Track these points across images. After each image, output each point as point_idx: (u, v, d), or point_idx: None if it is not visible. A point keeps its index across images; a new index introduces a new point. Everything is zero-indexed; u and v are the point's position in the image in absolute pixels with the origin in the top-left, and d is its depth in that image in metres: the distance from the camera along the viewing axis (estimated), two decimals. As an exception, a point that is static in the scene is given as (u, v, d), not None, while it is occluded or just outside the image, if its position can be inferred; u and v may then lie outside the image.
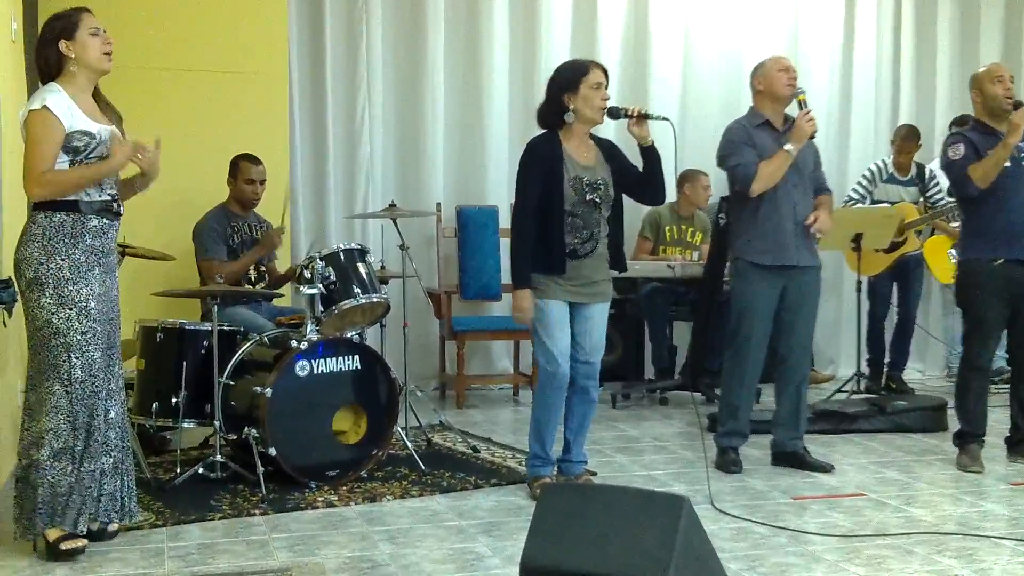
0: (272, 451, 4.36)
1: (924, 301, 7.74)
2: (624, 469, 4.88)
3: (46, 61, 3.56)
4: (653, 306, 6.69)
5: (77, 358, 3.47)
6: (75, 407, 3.47)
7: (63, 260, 3.46)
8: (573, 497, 2.78)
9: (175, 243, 5.61)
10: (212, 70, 6.06)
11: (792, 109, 4.82)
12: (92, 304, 3.51)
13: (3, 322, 4.13)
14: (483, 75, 7.09)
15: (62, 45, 3.53)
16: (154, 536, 3.81)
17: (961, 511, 4.18)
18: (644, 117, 4.28)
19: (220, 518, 4.03)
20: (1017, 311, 4.81)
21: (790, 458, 4.87)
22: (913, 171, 6.99)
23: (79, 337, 3.47)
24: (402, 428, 4.99)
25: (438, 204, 6.91)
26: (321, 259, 4.67)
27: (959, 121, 7.25)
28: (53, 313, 3.45)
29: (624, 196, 4.44)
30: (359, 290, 4.70)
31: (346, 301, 4.66)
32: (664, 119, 4.32)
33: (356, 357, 4.62)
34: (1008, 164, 4.69)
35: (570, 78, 4.24)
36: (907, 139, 6.95)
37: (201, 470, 4.49)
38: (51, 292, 3.45)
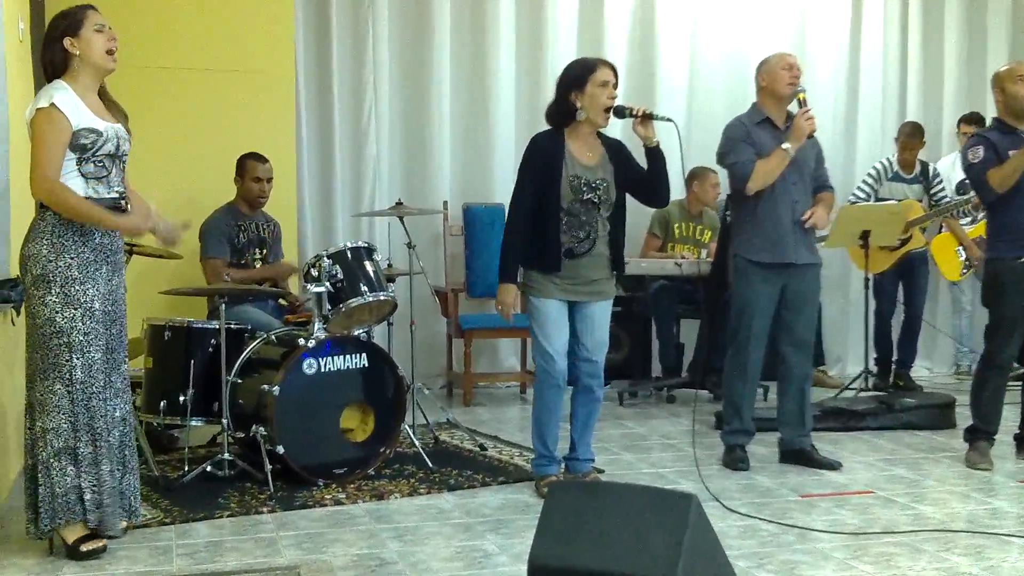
0: (280, 449, 4.36)
1: (932, 299, 7.73)
2: (632, 467, 4.87)
3: (52, 59, 3.54)
4: (660, 304, 6.68)
5: (79, 359, 3.45)
6: (76, 407, 3.45)
7: (72, 259, 3.45)
8: (581, 495, 2.78)
9: (183, 242, 5.59)
10: (219, 69, 6.07)
11: (794, 107, 4.80)
12: (97, 305, 3.49)
13: (12, 320, 4.14)
14: (489, 74, 7.09)
15: (67, 42, 3.51)
16: (162, 534, 3.81)
17: (970, 509, 4.17)
18: (648, 117, 4.27)
19: (228, 516, 4.04)
20: None
21: (798, 456, 4.87)
22: (917, 169, 6.98)
23: (81, 338, 3.46)
24: (409, 426, 5.00)
25: (445, 202, 6.91)
26: (328, 257, 4.68)
27: (968, 118, 7.24)
28: (57, 312, 3.44)
29: (629, 197, 4.43)
30: (366, 288, 4.70)
31: (353, 299, 4.66)
32: (668, 120, 4.30)
33: (363, 355, 4.62)
34: None
35: (577, 76, 4.24)
36: (911, 136, 6.94)
37: (209, 468, 4.50)
38: (57, 291, 3.44)
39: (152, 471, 4.49)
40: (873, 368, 6.85)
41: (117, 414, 3.57)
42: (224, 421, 4.53)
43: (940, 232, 7.26)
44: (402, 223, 5.36)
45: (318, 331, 4.57)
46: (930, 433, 5.65)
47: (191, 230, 5.51)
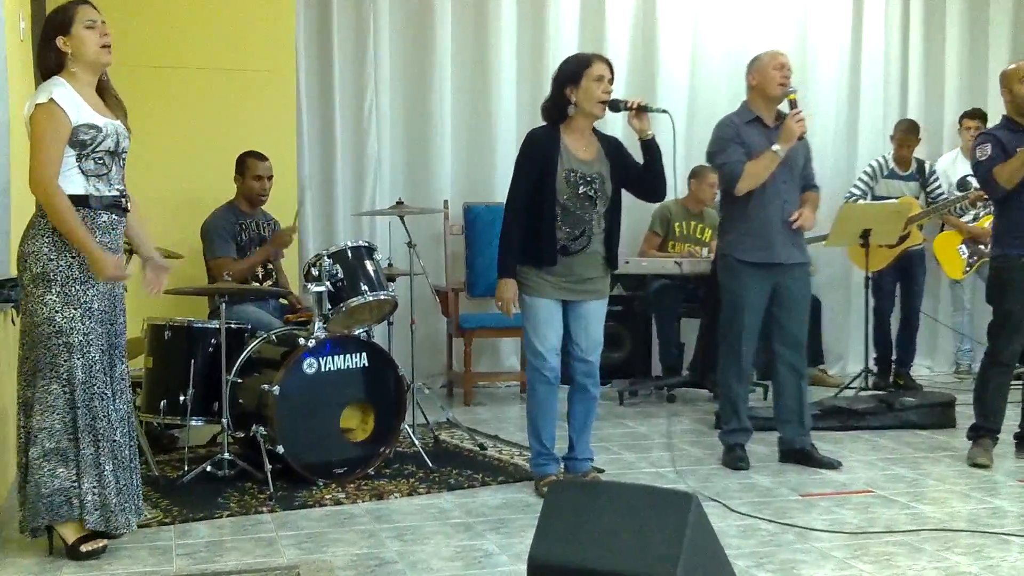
0: (280, 449, 4.36)
1: (933, 297, 7.73)
2: (632, 466, 4.87)
3: (46, 60, 3.51)
4: (661, 303, 6.68)
5: (79, 359, 3.43)
6: (74, 409, 3.42)
7: (73, 258, 3.43)
8: (580, 494, 2.78)
9: (183, 241, 5.62)
10: (220, 68, 6.07)
11: (784, 105, 4.80)
12: (96, 304, 3.47)
13: (12, 320, 4.13)
14: (491, 73, 7.09)
15: (59, 41, 3.46)
16: (162, 534, 3.81)
17: (970, 508, 4.16)
18: (643, 109, 4.27)
19: (228, 516, 4.04)
20: None
21: (798, 455, 4.87)
22: (913, 166, 7.00)
23: (81, 338, 3.43)
24: (409, 425, 5.00)
25: (445, 201, 6.91)
26: (329, 256, 4.68)
27: (971, 114, 7.25)
28: (57, 311, 3.41)
29: (626, 195, 4.43)
30: (367, 288, 4.70)
31: (354, 299, 4.66)
32: (663, 111, 4.31)
33: (364, 355, 4.62)
34: None
35: (573, 71, 4.24)
36: (907, 133, 6.95)
37: (209, 468, 4.50)
38: (58, 290, 3.42)
39: (152, 471, 4.50)
40: (873, 367, 6.85)
41: (118, 414, 3.54)
42: (224, 421, 4.53)
43: (942, 230, 7.26)
44: (403, 222, 5.35)
45: (318, 330, 4.57)
46: (930, 432, 5.65)
47: (192, 222, 5.60)
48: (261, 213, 5.67)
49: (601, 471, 4.66)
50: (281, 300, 5.63)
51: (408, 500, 4.30)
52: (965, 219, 7.08)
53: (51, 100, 3.39)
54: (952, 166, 7.29)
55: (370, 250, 4.84)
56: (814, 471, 4.75)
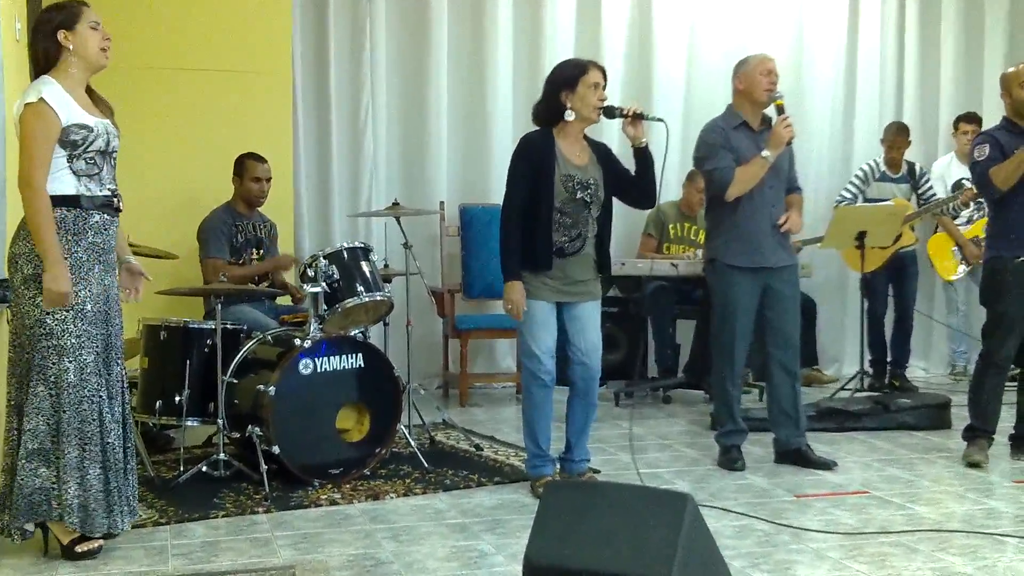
0: (276, 449, 4.36)
1: (928, 298, 7.75)
2: (628, 467, 4.87)
3: (45, 52, 3.47)
4: (657, 304, 6.69)
5: (70, 362, 3.40)
6: (59, 411, 3.39)
7: (65, 258, 3.40)
8: (576, 495, 2.78)
9: (179, 242, 5.63)
10: (216, 69, 6.07)
11: (770, 110, 4.81)
12: (89, 306, 3.44)
13: (8, 320, 4.11)
14: (487, 74, 7.09)
15: (61, 35, 3.44)
16: (158, 534, 3.81)
17: (965, 508, 4.17)
18: (639, 117, 4.29)
19: (224, 516, 4.04)
20: None
21: (793, 456, 4.87)
22: (904, 168, 7.03)
23: (73, 340, 3.41)
24: (405, 426, 5.00)
25: (441, 203, 6.91)
26: (325, 257, 4.68)
27: (968, 118, 7.26)
28: (48, 313, 3.38)
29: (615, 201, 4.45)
30: (362, 288, 4.70)
31: (350, 299, 4.66)
32: (659, 120, 4.33)
33: (359, 355, 4.62)
34: None
35: (569, 77, 4.25)
36: (897, 135, 7.00)
37: (205, 468, 4.50)
38: None
39: (148, 471, 4.49)
40: (869, 369, 6.86)
41: (113, 415, 3.51)
42: (220, 421, 4.53)
43: (936, 232, 7.27)
44: (399, 223, 5.36)
45: (314, 331, 4.57)
46: (926, 433, 5.66)
47: (188, 223, 5.60)
48: (258, 215, 5.67)
49: (597, 472, 4.66)
50: (279, 300, 5.64)
51: (404, 500, 4.30)
52: (960, 220, 7.10)
53: (41, 99, 3.36)
54: (947, 169, 7.31)
55: (366, 251, 4.84)
56: (810, 472, 4.75)
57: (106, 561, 3.48)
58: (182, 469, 4.51)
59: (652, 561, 2.51)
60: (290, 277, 5.82)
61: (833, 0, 7.77)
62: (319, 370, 4.51)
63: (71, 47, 3.46)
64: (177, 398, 4.62)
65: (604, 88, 4.27)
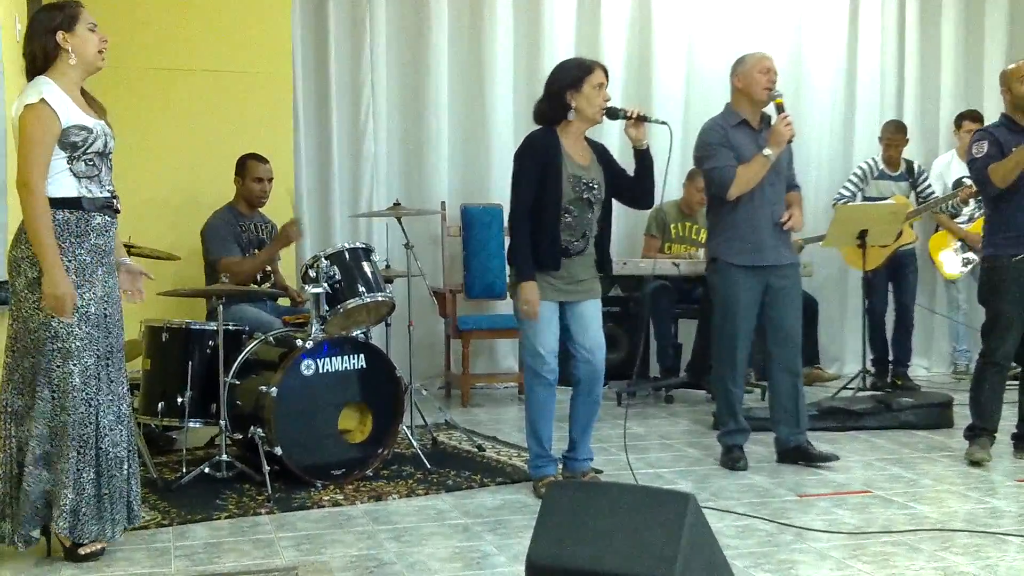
0: (278, 450, 4.36)
1: (929, 296, 7.75)
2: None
3: (42, 52, 3.43)
4: (658, 304, 6.69)
5: (75, 365, 3.38)
6: (65, 414, 3.37)
7: (69, 262, 3.38)
8: (578, 495, 2.78)
9: (180, 243, 5.63)
10: (217, 70, 6.07)
11: (769, 108, 4.80)
12: (92, 309, 3.43)
13: (8, 323, 4.10)
14: (487, 74, 7.09)
15: (60, 37, 3.41)
16: (160, 535, 3.81)
17: (967, 507, 4.17)
18: (643, 120, 4.29)
19: (226, 517, 4.04)
20: None
21: (795, 453, 4.87)
22: (903, 167, 7.04)
23: (78, 343, 3.39)
24: (407, 427, 5.00)
25: (443, 203, 6.92)
26: (326, 258, 4.68)
27: (972, 116, 7.26)
28: (53, 316, 3.36)
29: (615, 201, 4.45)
30: (364, 289, 4.70)
31: (351, 300, 4.66)
32: (663, 123, 4.33)
33: (361, 356, 4.62)
34: None
35: (574, 77, 4.24)
36: (896, 133, 7.02)
37: (207, 469, 4.50)
38: None
39: (150, 473, 4.49)
40: (871, 368, 6.85)
41: (112, 418, 3.49)
42: (222, 422, 4.53)
43: (936, 231, 7.27)
44: (400, 224, 5.36)
45: (316, 332, 4.57)
46: (928, 432, 5.65)
47: (189, 224, 5.59)
48: (259, 215, 5.67)
49: (599, 472, 4.66)
50: (280, 301, 5.64)
51: (406, 501, 4.30)
52: (961, 219, 7.10)
53: (42, 100, 3.34)
54: (947, 168, 7.31)
55: (367, 252, 4.84)
56: (812, 471, 4.75)
57: (109, 563, 3.48)
58: (184, 470, 4.51)
59: (654, 561, 2.51)
60: (291, 279, 5.82)
61: (834, 0, 7.77)
62: (321, 371, 4.51)
63: (70, 49, 3.43)
64: (179, 399, 4.62)
65: (606, 88, 4.28)
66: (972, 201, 6.79)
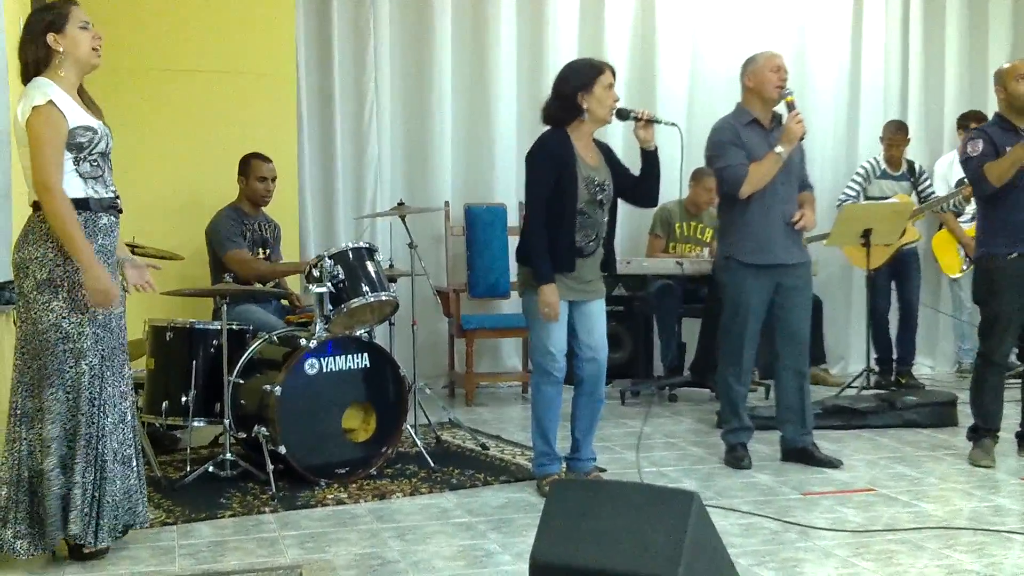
0: (282, 449, 4.37)
1: (934, 294, 7.75)
2: (633, 466, 4.87)
3: (35, 55, 3.40)
4: (662, 303, 6.68)
5: (87, 364, 3.38)
6: (78, 414, 3.37)
7: (73, 258, 3.37)
8: (583, 493, 2.78)
9: (184, 243, 5.64)
10: (220, 71, 6.07)
11: (780, 106, 4.80)
12: (100, 309, 3.43)
13: (15, 322, 4.10)
14: (490, 74, 7.10)
15: (50, 38, 3.38)
16: (164, 534, 3.82)
17: (972, 506, 4.17)
18: (652, 121, 4.30)
19: (230, 516, 4.04)
20: None
21: (799, 454, 4.87)
22: (904, 166, 7.04)
23: (89, 343, 3.39)
24: (411, 426, 5.00)
25: (446, 202, 6.92)
26: (330, 258, 4.68)
27: (975, 117, 7.25)
28: (64, 317, 3.35)
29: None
30: (368, 288, 4.70)
31: (355, 299, 4.66)
32: (672, 124, 4.35)
33: (365, 355, 4.63)
34: None
35: (585, 78, 4.24)
36: (897, 132, 7.03)
37: (211, 468, 4.50)
38: (65, 295, 3.36)
39: (154, 472, 4.50)
40: (875, 366, 6.85)
41: (116, 418, 3.49)
42: (226, 421, 4.54)
43: (940, 229, 7.27)
44: (403, 223, 5.36)
45: (320, 331, 4.58)
46: (932, 431, 5.65)
47: (193, 224, 5.60)
48: (263, 215, 5.68)
49: (603, 471, 4.66)
50: (282, 301, 5.64)
51: (410, 500, 4.31)
52: (964, 218, 7.09)
53: (49, 102, 3.32)
54: (950, 169, 7.30)
55: (371, 251, 4.84)
56: (816, 470, 4.75)
57: (113, 562, 3.49)
58: (188, 469, 4.51)
59: (659, 560, 2.52)
60: (294, 283, 5.82)
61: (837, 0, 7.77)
62: (325, 370, 4.52)
63: (61, 49, 3.40)
64: (183, 398, 4.63)
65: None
66: (974, 199, 6.78)
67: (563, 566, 2.65)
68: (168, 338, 4.73)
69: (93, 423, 3.42)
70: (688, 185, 6.91)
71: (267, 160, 5.60)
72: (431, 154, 7.00)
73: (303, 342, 4.53)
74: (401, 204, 5.40)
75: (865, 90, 7.84)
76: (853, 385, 6.58)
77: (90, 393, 3.41)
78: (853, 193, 6.97)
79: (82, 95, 3.52)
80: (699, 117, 7.29)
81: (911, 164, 7.10)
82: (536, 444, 4.41)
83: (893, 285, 7.09)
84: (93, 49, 3.47)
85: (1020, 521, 3.94)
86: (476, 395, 6.67)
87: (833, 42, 7.76)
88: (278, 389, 4.38)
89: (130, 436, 3.58)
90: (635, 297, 6.85)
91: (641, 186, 4.42)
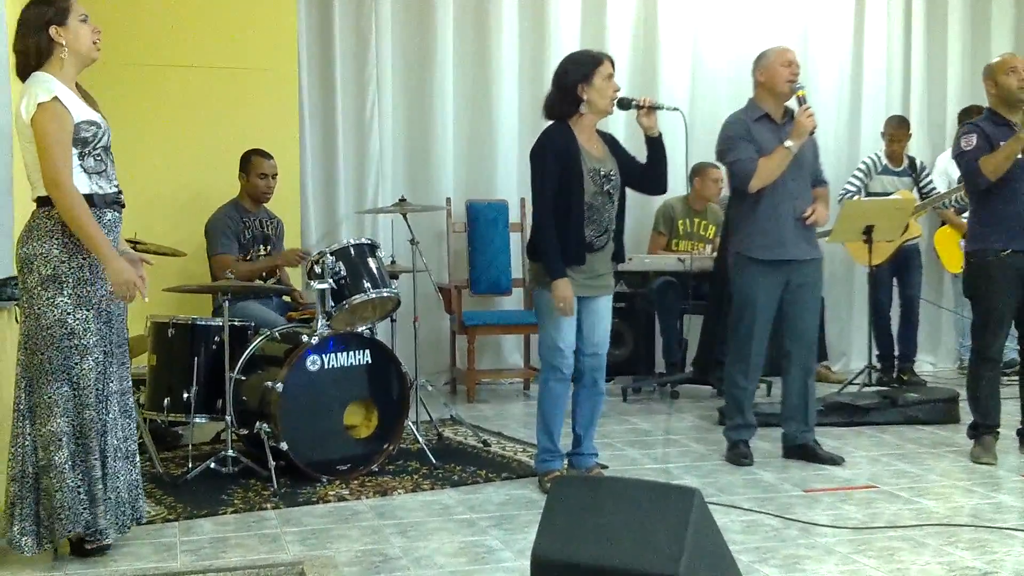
0: (283, 446, 4.37)
1: (936, 290, 7.74)
2: (635, 462, 4.88)
3: (35, 48, 3.37)
4: (664, 300, 6.68)
5: (93, 360, 3.38)
6: (85, 410, 3.37)
7: (84, 259, 3.36)
8: (584, 490, 2.78)
9: (187, 239, 5.64)
10: (222, 67, 6.08)
11: (792, 102, 4.79)
12: (103, 305, 3.43)
13: (16, 318, 4.10)
14: (492, 70, 7.09)
15: (52, 31, 3.36)
16: (166, 530, 3.82)
17: (973, 503, 4.16)
18: (654, 108, 4.29)
19: (232, 512, 4.05)
20: None
21: (801, 451, 4.87)
22: (905, 162, 7.04)
23: (94, 339, 3.38)
24: (413, 422, 5.00)
25: (448, 199, 6.91)
26: (331, 254, 4.68)
27: (968, 111, 7.24)
28: (69, 313, 3.34)
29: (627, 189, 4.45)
30: (369, 285, 4.70)
31: (356, 296, 4.66)
32: (675, 109, 4.36)
33: (367, 352, 4.63)
34: (1020, 155, 4.68)
35: (584, 70, 4.24)
36: (898, 128, 7.03)
37: (213, 465, 4.51)
38: (70, 291, 3.35)
39: (156, 468, 4.50)
40: (876, 363, 6.85)
41: (117, 412, 3.49)
42: (228, 418, 4.54)
43: (942, 225, 7.26)
44: (405, 220, 5.36)
45: (321, 328, 4.58)
46: (934, 428, 5.64)
47: (195, 220, 5.60)
48: (264, 211, 5.68)
49: (605, 467, 4.66)
50: (284, 297, 5.65)
51: (412, 496, 4.31)
52: (966, 214, 7.08)
53: (55, 99, 3.30)
54: (951, 164, 7.28)
55: (373, 247, 4.84)
56: (818, 467, 4.75)
57: (115, 558, 3.49)
58: (190, 466, 4.51)
59: (660, 556, 2.52)
60: (296, 280, 5.82)
61: (839, -4, 7.78)
62: (326, 366, 4.52)
63: (64, 43, 3.38)
64: (185, 395, 4.63)
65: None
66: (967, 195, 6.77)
67: (565, 563, 2.65)
68: (170, 334, 4.73)
69: (99, 419, 3.42)
70: (691, 182, 6.90)
71: (268, 157, 5.60)
72: (433, 150, 7.00)
73: (305, 338, 4.53)
74: (403, 200, 5.40)
75: (867, 85, 7.82)
76: (855, 382, 6.57)
77: (97, 388, 3.41)
78: (855, 189, 6.97)
79: (78, 88, 3.50)
80: (701, 115, 7.29)
81: (912, 160, 7.10)
82: (540, 440, 4.41)
83: (895, 281, 7.09)
84: (93, 43, 3.46)
85: (1021, 518, 3.94)
86: (478, 392, 6.67)
87: (835, 37, 7.74)
88: (280, 386, 4.38)
89: (133, 431, 3.60)
90: (637, 294, 6.84)
91: (649, 173, 4.41)
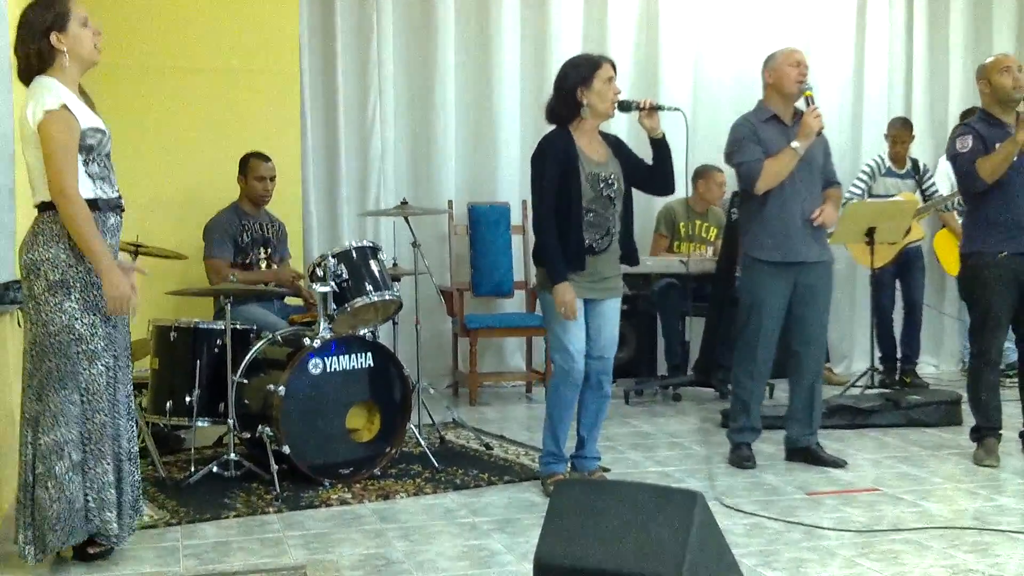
0: (286, 449, 4.37)
1: (938, 293, 7.73)
2: (638, 465, 4.87)
3: (37, 54, 3.35)
4: (666, 302, 6.68)
5: (103, 365, 3.37)
6: (94, 416, 3.36)
7: (89, 264, 3.34)
8: (587, 493, 2.78)
9: (188, 242, 5.64)
10: (224, 69, 6.08)
11: (800, 103, 4.78)
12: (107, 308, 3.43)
13: (19, 322, 4.10)
14: (494, 73, 7.09)
15: (54, 38, 3.34)
16: (169, 534, 3.82)
17: (977, 506, 4.16)
18: (655, 109, 4.29)
19: (234, 516, 4.05)
20: (1022, 304, 4.79)
21: (804, 454, 4.86)
22: (909, 164, 7.03)
23: (101, 344, 3.37)
24: (415, 426, 5.00)
25: (450, 202, 6.91)
26: (333, 257, 4.68)
27: (970, 113, 7.24)
28: (76, 319, 3.33)
29: (633, 190, 4.45)
30: (371, 288, 4.70)
31: (359, 299, 4.66)
32: (676, 109, 4.35)
33: (369, 355, 4.63)
34: (1015, 157, 4.66)
35: (584, 73, 4.24)
36: (901, 129, 7.02)
37: (215, 468, 4.51)
38: (77, 296, 3.33)
39: (158, 472, 4.50)
40: (879, 365, 6.84)
41: (126, 416, 3.49)
42: (230, 421, 4.54)
43: (942, 228, 7.26)
44: (407, 222, 5.36)
45: (324, 331, 4.58)
46: (937, 430, 5.64)
47: (197, 223, 5.59)
48: (265, 213, 5.68)
49: (607, 470, 4.66)
50: (292, 301, 5.64)
51: (414, 500, 4.31)
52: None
53: (64, 106, 3.29)
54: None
55: (375, 250, 4.84)
56: (821, 469, 4.74)
57: (117, 562, 3.49)
58: (193, 470, 4.52)
59: (663, 560, 2.51)
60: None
61: (841, -2, 7.77)
62: (329, 370, 4.52)
63: (65, 49, 3.36)
64: (187, 398, 4.63)
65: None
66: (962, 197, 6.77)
67: (567, 566, 2.65)
68: (172, 338, 4.73)
69: (112, 424, 3.41)
70: (694, 184, 6.90)
71: (266, 159, 5.60)
72: (435, 152, 7.00)
73: (307, 342, 4.53)
74: (404, 203, 5.40)
75: (869, 87, 7.82)
76: (857, 384, 6.56)
77: (108, 393, 3.40)
78: (858, 191, 6.96)
79: (80, 91, 3.49)
80: (702, 117, 7.31)
81: (915, 162, 7.09)
82: (546, 443, 4.40)
83: (897, 284, 7.08)
84: (94, 46, 3.44)
85: (1025, 521, 3.94)
86: (480, 395, 6.66)
87: (838, 39, 7.74)
88: (282, 389, 4.38)
89: (134, 433, 3.60)
90: (639, 296, 6.84)
91: (655, 174, 4.40)
